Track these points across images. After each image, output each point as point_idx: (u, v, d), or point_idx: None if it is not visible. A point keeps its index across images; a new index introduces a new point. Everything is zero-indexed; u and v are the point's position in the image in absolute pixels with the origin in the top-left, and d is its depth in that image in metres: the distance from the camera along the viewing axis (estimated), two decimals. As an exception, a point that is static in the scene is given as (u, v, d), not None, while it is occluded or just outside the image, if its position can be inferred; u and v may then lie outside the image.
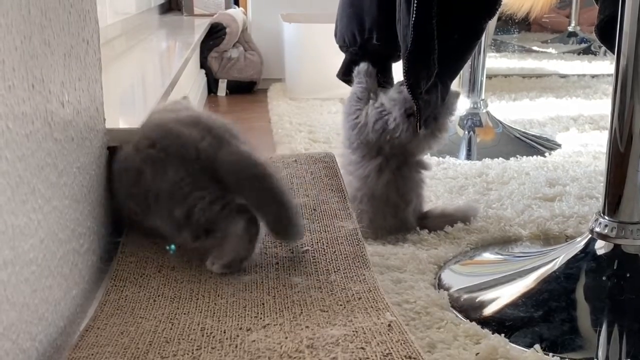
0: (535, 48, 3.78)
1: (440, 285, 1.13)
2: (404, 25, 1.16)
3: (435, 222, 1.36)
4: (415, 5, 1.12)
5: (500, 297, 1.07)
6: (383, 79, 1.38)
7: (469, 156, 1.89)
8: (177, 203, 0.90)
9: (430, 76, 1.19)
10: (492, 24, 1.28)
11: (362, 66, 1.34)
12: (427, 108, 1.23)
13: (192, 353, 0.71)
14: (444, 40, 1.17)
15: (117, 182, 0.97)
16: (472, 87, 2.03)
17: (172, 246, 0.94)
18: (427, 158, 1.41)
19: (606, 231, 1.01)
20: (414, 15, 1.12)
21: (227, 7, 3.09)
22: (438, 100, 1.25)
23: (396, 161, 1.32)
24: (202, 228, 0.91)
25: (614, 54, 1.00)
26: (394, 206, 1.32)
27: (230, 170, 0.91)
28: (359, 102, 1.34)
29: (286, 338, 0.73)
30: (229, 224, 0.90)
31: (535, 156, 1.86)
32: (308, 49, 2.60)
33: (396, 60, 1.38)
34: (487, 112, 2.04)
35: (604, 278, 1.01)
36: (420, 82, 1.19)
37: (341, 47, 1.41)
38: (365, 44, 1.33)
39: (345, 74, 1.43)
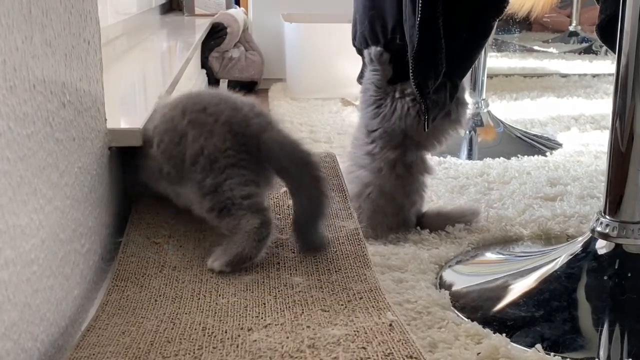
0: (536, 47, 3.77)
1: (441, 285, 1.13)
2: (410, 25, 1.16)
3: (433, 222, 1.36)
4: (420, 5, 1.12)
5: (502, 297, 1.07)
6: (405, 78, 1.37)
7: (470, 156, 1.89)
8: (212, 172, 0.92)
9: (437, 76, 1.18)
10: (495, 22, 1.27)
11: (376, 51, 1.32)
12: (435, 108, 1.23)
13: (194, 353, 0.71)
14: (453, 39, 1.17)
15: (158, 142, 0.98)
16: (473, 86, 2.03)
17: (170, 246, 0.95)
18: (431, 161, 1.41)
19: (607, 231, 1.01)
20: (419, 15, 1.12)
21: (228, 7, 3.09)
22: (447, 100, 1.25)
23: (411, 156, 1.32)
24: (222, 205, 0.92)
25: (615, 53, 1.00)
26: (399, 205, 1.32)
27: (278, 151, 0.93)
28: (378, 91, 1.33)
29: (287, 338, 0.73)
30: (243, 218, 0.90)
31: (536, 156, 1.86)
32: (309, 49, 2.60)
33: None
34: (488, 112, 2.04)
35: (605, 278, 1.01)
36: (427, 82, 1.19)
37: (360, 51, 1.40)
38: (388, 44, 1.32)
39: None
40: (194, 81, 2.45)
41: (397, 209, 1.32)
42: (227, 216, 0.91)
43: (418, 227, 1.34)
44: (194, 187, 0.94)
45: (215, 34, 2.78)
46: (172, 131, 0.96)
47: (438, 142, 1.34)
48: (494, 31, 1.29)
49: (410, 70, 1.18)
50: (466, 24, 1.20)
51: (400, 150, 1.31)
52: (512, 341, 0.95)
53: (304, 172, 0.92)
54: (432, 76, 1.18)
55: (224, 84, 2.82)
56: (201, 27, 2.64)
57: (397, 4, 1.26)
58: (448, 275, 1.17)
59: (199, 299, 0.83)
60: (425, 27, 1.13)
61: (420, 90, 1.19)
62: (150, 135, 1.00)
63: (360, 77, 1.39)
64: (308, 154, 0.94)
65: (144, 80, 1.59)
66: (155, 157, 0.99)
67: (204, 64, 2.80)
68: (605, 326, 0.97)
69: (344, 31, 2.57)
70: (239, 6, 3.27)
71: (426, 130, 1.26)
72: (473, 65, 1.39)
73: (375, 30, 1.32)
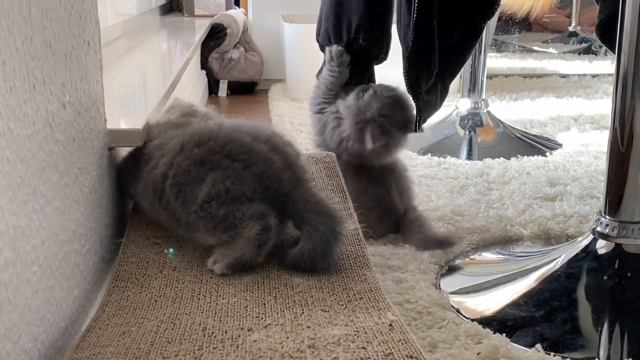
0: (535, 48, 3.77)
1: (441, 285, 1.13)
2: (405, 25, 1.16)
3: (412, 237, 1.30)
4: (416, 4, 1.12)
5: (502, 297, 1.07)
6: (365, 80, 1.37)
7: (469, 156, 1.89)
8: (227, 206, 0.91)
9: (430, 76, 1.19)
10: (492, 24, 1.28)
11: (337, 50, 1.31)
12: (426, 108, 1.23)
13: (194, 353, 0.71)
14: (444, 40, 1.17)
15: (164, 172, 0.96)
16: (473, 87, 2.03)
17: (171, 250, 0.95)
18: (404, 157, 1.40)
19: (607, 231, 1.01)
20: (414, 15, 1.12)
21: (228, 7, 3.09)
22: (438, 101, 1.25)
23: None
24: (228, 224, 0.91)
25: (614, 53, 1.00)
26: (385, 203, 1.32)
27: (302, 208, 0.93)
28: (327, 93, 1.32)
29: (287, 338, 0.73)
30: (245, 225, 0.90)
31: (536, 156, 1.86)
32: (308, 50, 2.58)
33: (379, 62, 1.38)
34: (488, 112, 2.04)
35: (605, 277, 1.01)
36: (420, 82, 1.19)
37: (322, 47, 1.40)
38: (351, 43, 1.32)
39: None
40: (194, 82, 2.46)
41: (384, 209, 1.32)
42: (231, 229, 0.91)
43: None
44: (200, 221, 0.93)
45: (215, 35, 2.78)
46: (186, 172, 0.94)
47: (372, 161, 1.32)
48: (488, 32, 1.29)
49: (404, 70, 1.18)
50: (458, 25, 1.20)
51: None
52: (512, 341, 0.95)
53: (325, 223, 0.92)
54: (424, 76, 1.18)
55: (223, 84, 2.82)
56: (201, 28, 2.65)
57: (364, 3, 1.27)
58: (448, 275, 1.17)
59: (199, 299, 0.83)
60: (420, 27, 1.13)
61: (413, 91, 1.20)
62: (150, 152, 1.00)
63: (319, 73, 1.40)
64: (331, 210, 0.94)
65: (144, 81, 1.59)
66: (154, 183, 0.97)
67: (204, 65, 2.80)
68: (605, 326, 0.97)
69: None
70: (239, 7, 3.27)
71: (417, 131, 1.26)
72: (464, 66, 1.39)
73: (339, 27, 1.32)
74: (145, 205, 1.01)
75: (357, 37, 1.30)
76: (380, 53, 1.33)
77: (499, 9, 1.25)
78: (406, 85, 1.20)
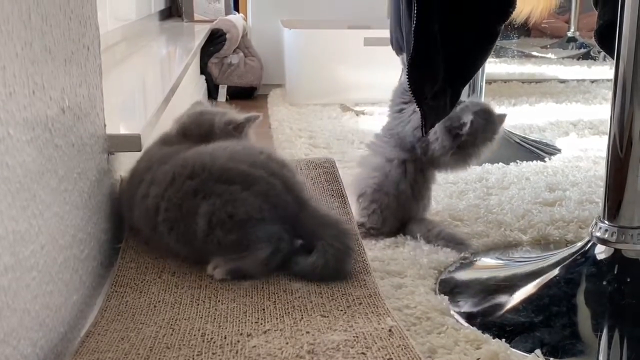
0: (534, 53, 3.78)
1: (440, 291, 1.13)
2: (407, 31, 1.16)
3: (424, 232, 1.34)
4: (415, 11, 1.12)
5: (501, 303, 1.07)
6: None
7: (469, 161, 1.89)
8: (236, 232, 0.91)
9: (435, 82, 1.18)
10: (501, 28, 1.27)
11: (404, 58, 1.33)
12: (432, 114, 1.22)
13: (193, 359, 0.71)
14: (453, 45, 1.16)
15: (157, 202, 0.96)
16: (472, 92, 2.03)
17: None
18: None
19: (606, 236, 1.01)
20: (414, 21, 1.12)
21: (227, 13, 3.09)
22: (447, 107, 1.24)
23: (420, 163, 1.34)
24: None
25: (613, 59, 1.00)
26: (407, 206, 1.34)
27: (319, 225, 0.94)
28: (404, 94, 1.34)
29: (287, 343, 0.73)
30: (256, 244, 0.90)
31: (535, 161, 1.86)
32: (308, 55, 2.60)
33: None
34: (487, 117, 2.03)
35: (604, 283, 1.01)
36: (423, 88, 1.18)
37: (398, 55, 1.42)
38: None
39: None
40: (193, 86, 2.46)
41: (405, 208, 1.34)
42: (242, 250, 0.91)
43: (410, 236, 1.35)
44: (208, 248, 0.93)
45: (215, 40, 2.79)
46: (178, 206, 0.94)
47: (443, 167, 1.37)
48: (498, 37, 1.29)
49: (406, 76, 1.18)
50: (471, 30, 1.20)
51: (412, 154, 1.33)
52: (511, 346, 0.95)
53: (338, 238, 0.93)
54: (428, 82, 1.18)
55: (223, 89, 2.82)
56: (200, 33, 2.65)
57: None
58: (447, 280, 1.17)
59: (198, 304, 0.83)
60: (420, 33, 1.13)
61: (415, 96, 1.19)
62: (140, 175, 1.00)
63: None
64: (340, 223, 0.95)
65: (143, 86, 1.59)
66: (147, 213, 0.97)
67: (203, 70, 2.80)
68: (605, 331, 0.97)
69: (343, 37, 2.60)
70: (238, 12, 3.27)
71: (423, 136, 1.27)
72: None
73: (397, 34, 1.33)
74: (145, 232, 1.00)
75: None
76: None
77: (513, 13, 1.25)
78: (409, 91, 1.20)
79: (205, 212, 0.90)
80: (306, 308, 0.82)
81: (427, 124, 1.23)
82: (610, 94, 1.02)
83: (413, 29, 1.12)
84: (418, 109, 1.21)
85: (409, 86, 1.19)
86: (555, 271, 1.06)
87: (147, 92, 1.53)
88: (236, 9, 3.33)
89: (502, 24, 1.22)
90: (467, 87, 2.01)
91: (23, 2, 0.67)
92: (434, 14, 1.13)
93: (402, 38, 1.33)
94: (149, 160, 1.02)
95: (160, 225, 0.94)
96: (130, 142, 1.02)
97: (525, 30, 3.98)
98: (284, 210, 0.92)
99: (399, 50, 1.38)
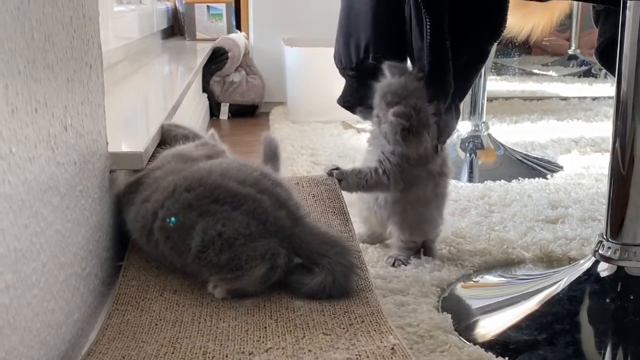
0: (535, 71, 3.79)
1: (443, 308, 1.12)
2: (418, 48, 1.16)
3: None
4: (428, 28, 1.12)
5: (504, 320, 1.06)
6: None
7: (470, 178, 1.89)
8: (229, 252, 0.91)
9: (447, 96, 1.18)
10: (492, 47, 1.27)
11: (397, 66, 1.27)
12: (446, 128, 1.22)
13: (194, 377, 0.71)
14: (454, 61, 1.17)
15: (154, 211, 0.96)
16: (474, 109, 2.03)
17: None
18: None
19: (609, 253, 1.01)
20: (428, 38, 1.12)
21: (229, 31, 3.11)
22: (455, 121, 1.24)
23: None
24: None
25: (614, 76, 1.00)
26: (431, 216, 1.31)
27: (320, 242, 0.93)
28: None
29: (289, 362, 0.73)
30: (252, 263, 0.89)
31: (537, 178, 1.86)
32: (309, 73, 2.61)
33: None
34: (489, 135, 2.04)
35: (607, 300, 1.01)
36: (439, 103, 1.18)
37: (340, 71, 1.39)
38: (361, 64, 1.31)
39: (345, 100, 1.40)
40: (195, 104, 2.46)
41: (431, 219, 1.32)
42: (236, 270, 0.91)
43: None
44: (201, 269, 0.93)
45: (217, 58, 2.80)
46: (174, 216, 0.94)
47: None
48: (492, 54, 1.29)
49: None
50: (466, 48, 1.20)
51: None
52: (514, 365, 0.94)
53: (342, 255, 0.92)
54: (442, 96, 1.18)
55: (225, 107, 2.83)
56: (202, 52, 2.66)
57: (371, 22, 1.26)
58: (450, 298, 1.16)
59: (200, 322, 0.83)
60: (434, 49, 1.13)
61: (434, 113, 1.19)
62: (150, 182, 1.00)
63: (339, 99, 1.38)
64: (342, 240, 0.95)
65: (146, 104, 1.60)
66: (144, 219, 0.97)
67: (205, 88, 2.82)
68: (608, 349, 0.97)
69: (345, 55, 2.60)
70: (240, 31, 3.29)
71: (438, 152, 1.24)
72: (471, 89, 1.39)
73: (348, 49, 1.32)
74: (134, 236, 1.00)
75: (367, 56, 1.28)
76: None
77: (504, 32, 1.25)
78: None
79: (201, 230, 0.91)
80: (308, 326, 0.82)
81: (443, 137, 1.22)
82: (611, 111, 1.02)
83: (427, 45, 1.12)
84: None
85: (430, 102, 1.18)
86: (559, 289, 1.06)
87: (149, 110, 1.53)
88: (238, 27, 3.35)
89: (493, 43, 1.23)
90: (468, 105, 2.03)
91: (26, 20, 0.67)
92: (446, 30, 1.13)
93: (354, 51, 1.31)
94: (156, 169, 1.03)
95: (157, 232, 0.94)
96: (132, 160, 1.02)
97: (526, 48, 4.00)
98: (274, 226, 0.92)
99: (339, 64, 1.35)
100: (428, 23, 1.11)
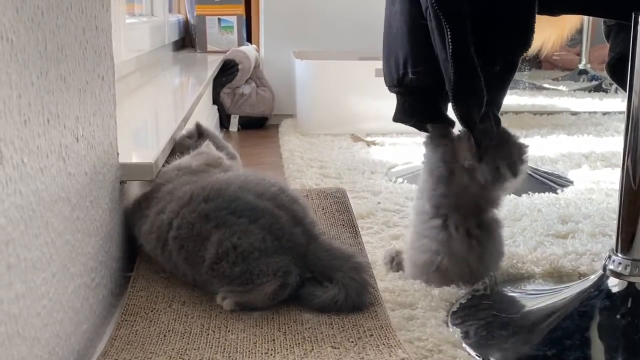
0: (546, 85, 3.78)
1: (452, 323, 1.12)
2: (443, 59, 1.15)
3: None
4: (449, 37, 1.11)
5: (514, 335, 1.05)
6: (432, 116, 1.31)
7: (480, 193, 1.88)
8: (242, 264, 0.91)
9: (481, 104, 1.16)
10: (522, 57, 1.26)
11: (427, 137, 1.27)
12: (485, 138, 1.20)
13: (202, 389, 0.71)
14: (486, 70, 1.15)
15: (169, 223, 0.97)
16: (483, 124, 2.03)
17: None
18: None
19: (620, 269, 1.00)
20: (450, 47, 1.11)
21: (240, 44, 3.12)
22: (494, 129, 1.22)
23: (474, 220, 1.25)
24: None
25: (625, 91, 1.00)
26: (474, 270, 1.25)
27: (334, 257, 0.94)
28: (447, 166, 1.24)
29: (297, 375, 0.72)
30: (263, 279, 0.89)
31: (547, 193, 1.85)
32: (319, 86, 2.62)
33: (442, 93, 1.25)
34: (499, 149, 2.03)
35: (618, 316, 1.00)
36: (471, 112, 1.16)
37: (388, 89, 1.38)
38: (402, 80, 1.29)
39: (397, 116, 1.38)
40: (205, 116, 2.47)
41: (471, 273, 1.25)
42: (247, 284, 0.91)
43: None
44: (213, 280, 0.93)
45: (227, 71, 2.81)
46: (190, 225, 0.95)
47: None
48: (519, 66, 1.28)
49: (452, 103, 1.16)
50: (499, 55, 1.19)
51: (475, 214, 1.25)
52: (524, 380, 0.94)
53: (356, 271, 0.93)
54: (475, 104, 1.16)
55: (235, 119, 2.84)
56: (213, 64, 2.67)
57: (407, 38, 1.25)
58: (459, 313, 1.16)
59: (208, 334, 0.83)
60: (458, 58, 1.12)
61: (465, 122, 1.17)
62: (161, 196, 1.01)
63: (394, 117, 1.37)
64: (355, 255, 0.96)
65: (156, 116, 1.60)
66: (159, 229, 0.98)
67: (216, 100, 2.82)
68: (619, 366, 0.96)
69: (354, 68, 2.61)
70: (251, 43, 3.30)
71: (480, 162, 1.21)
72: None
73: (389, 67, 1.32)
74: (148, 249, 1.00)
75: (406, 72, 1.26)
76: (439, 83, 1.26)
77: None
78: (457, 118, 1.17)
79: (216, 241, 0.91)
80: (316, 339, 0.81)
81: (482, 147, 1.20)
82: (622, 126, 1.01)
83: (450, 54, 1.11)
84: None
85: (456, 112, 1.17)
86: (569, 304, 1.05)
87: (160, 121, 1.54)
88: (249, 40, 3.36)
89: (523, 53, 1.21)
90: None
91: (39, 31, 0.68)
92: (469, 38, 1.12)
93: (394, 68, 1.31)
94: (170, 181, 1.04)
95: (171, 242, 0.95)
96: (142, 171, 1.02)
97: (537, 62, 3.99)
98: (290, 242, 0.92)
99: (386, 83, 1.35)
100: (449, 32, 1.11)
